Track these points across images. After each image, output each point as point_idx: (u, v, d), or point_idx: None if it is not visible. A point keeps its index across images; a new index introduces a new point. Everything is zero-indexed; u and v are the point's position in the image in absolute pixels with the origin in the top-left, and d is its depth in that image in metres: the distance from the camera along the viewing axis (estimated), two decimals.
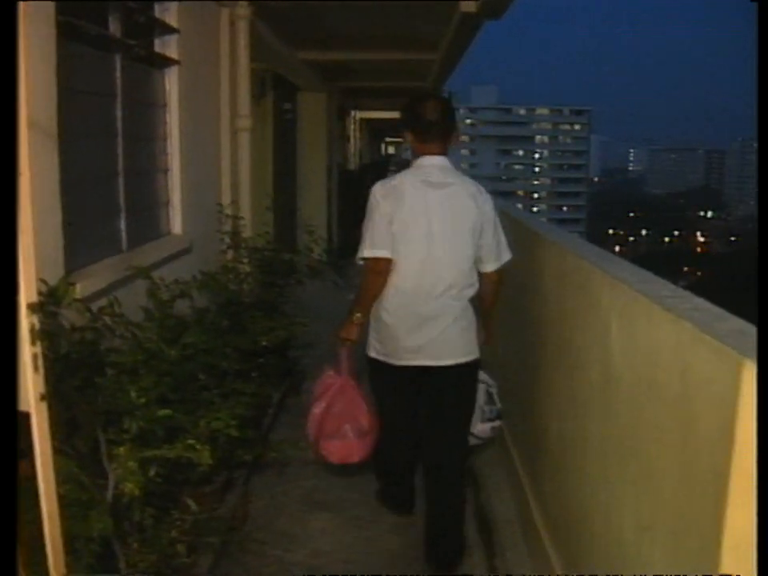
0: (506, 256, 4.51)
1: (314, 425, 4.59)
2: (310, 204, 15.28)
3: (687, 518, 2.20)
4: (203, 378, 3.77)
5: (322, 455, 4.66)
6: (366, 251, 4.30)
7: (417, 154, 4.43)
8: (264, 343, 4.76)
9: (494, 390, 4.86)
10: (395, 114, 19.81)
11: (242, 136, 7.10)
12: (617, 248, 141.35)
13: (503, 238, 4.49)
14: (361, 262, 4.39)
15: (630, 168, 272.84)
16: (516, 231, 5.44)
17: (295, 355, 6.80)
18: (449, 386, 4.46)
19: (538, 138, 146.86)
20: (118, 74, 4.83)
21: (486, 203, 4.40)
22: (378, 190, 4.34)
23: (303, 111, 15.37)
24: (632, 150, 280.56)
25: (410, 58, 11.58)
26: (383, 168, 46.62)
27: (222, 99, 6.95)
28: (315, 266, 6.91)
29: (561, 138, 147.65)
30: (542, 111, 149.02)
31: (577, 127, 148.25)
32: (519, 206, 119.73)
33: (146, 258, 4.94)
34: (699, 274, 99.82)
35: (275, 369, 5.73)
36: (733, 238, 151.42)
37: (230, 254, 6.74)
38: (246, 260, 6.71)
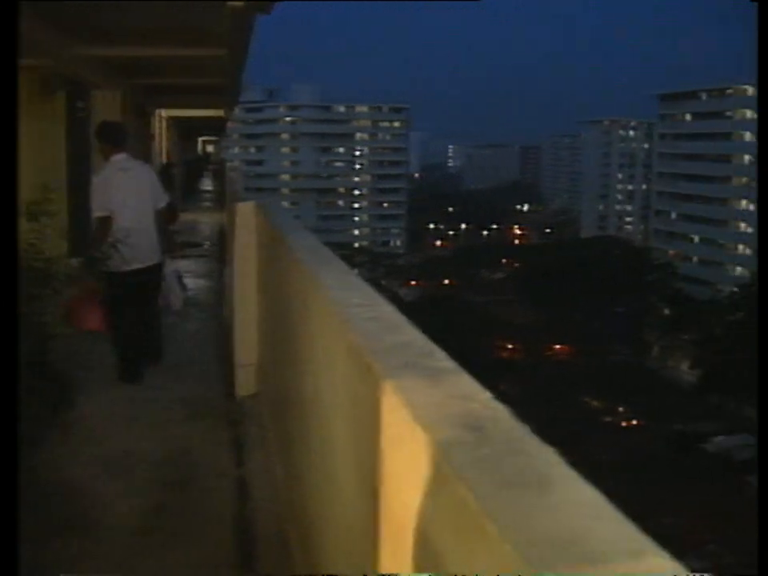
0: (166, 199, 8.14)
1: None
2: None
3: (363, 539, 2.07)
4: None
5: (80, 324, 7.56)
6: (97, 213, 7.48)
7: (110, 155, 7.64)
8: None
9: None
10: (209, 112, 19.48)
11: None
12: (438, 242, 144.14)
13: (162, 192, 8.05)
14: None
15: (450, 164, 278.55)
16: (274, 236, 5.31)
17: (60, 368, 6.43)
18: (152, 276, 7.80)
19: (357, 135, 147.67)
20: None
21: (152, 173, 8.35)
22: (96, 179, 7.68)
23: (97, 110, 14.80)
24: (451, 147, 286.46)
25: (197, 54, 11.30)
26: (200, 167, 45.90)
27: None
28: (72, 273, 6.61)
29: (380, 135, 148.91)
30: (362, 109, 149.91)
31: (396, 124, 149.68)
32: (341, 202, 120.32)
33: None
34: (517, 265, 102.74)
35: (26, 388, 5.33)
36: (548, 230, 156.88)
37: None
38: None
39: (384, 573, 1.71)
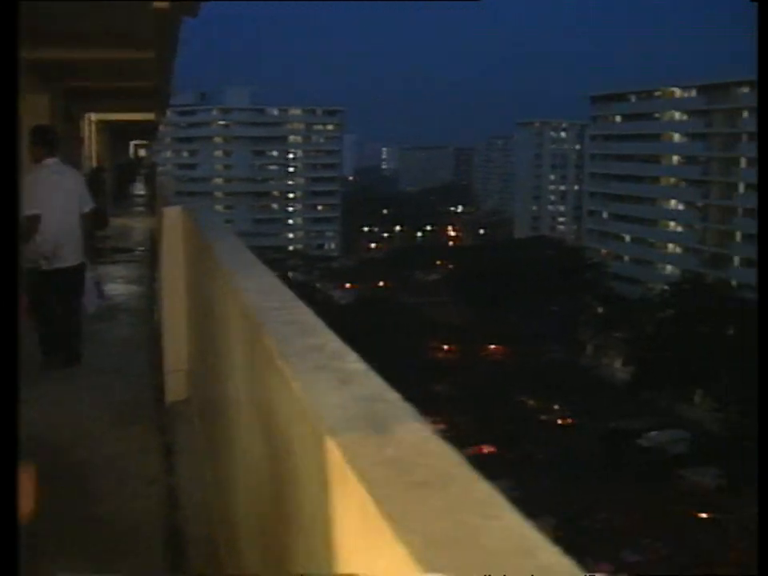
0: (92, 203, 8.60)
1: None
2: None
3: (276, 540, 2.06)
4: None
5: None
6: (27, 211, 7.42)
7: (42, 159, 7.92)
8: None
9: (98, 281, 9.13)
10: (140, 116, 19.31)
11: None
12: (372, 245, 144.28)
13: (89, 196, 8.55)
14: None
15: (384, 166, 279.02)
16: (199, 240, 5.28)
17: None
18: (73, 275, 8.17)
19: (291, 138, 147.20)
20: None
21: (80, 178, 8.89)
22: (29, 180, 7.60)
23: (23, 115, 14.51)
24: (384, 149, 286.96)
25: (123, 57, 11.17)
26: (132, 171, 45.38)
27: None
28: None
29: (314, 138, 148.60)
30: (295, 112, 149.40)
31: (330, 127, 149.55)
32: (275, 205, 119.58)
33: None
34: (451, 266, 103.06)
35: None
36: (482, 231, 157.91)
37: None
38: None
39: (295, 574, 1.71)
